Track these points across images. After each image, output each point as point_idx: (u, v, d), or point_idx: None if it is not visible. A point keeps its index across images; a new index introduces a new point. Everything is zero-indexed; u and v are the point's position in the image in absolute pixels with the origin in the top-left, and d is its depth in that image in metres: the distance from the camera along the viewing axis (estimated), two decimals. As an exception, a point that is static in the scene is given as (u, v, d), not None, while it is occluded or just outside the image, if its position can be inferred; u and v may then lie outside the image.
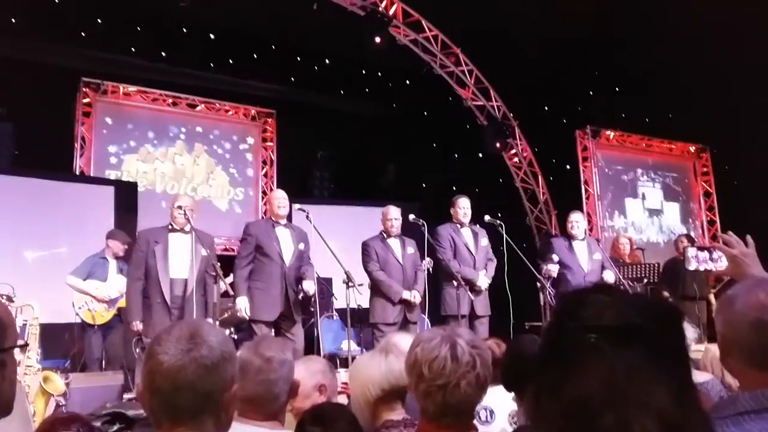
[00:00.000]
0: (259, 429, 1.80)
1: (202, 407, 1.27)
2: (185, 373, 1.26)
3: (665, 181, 11.42)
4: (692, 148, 11.70)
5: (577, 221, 6.35)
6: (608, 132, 10.96)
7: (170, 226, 4.88)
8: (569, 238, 6.34)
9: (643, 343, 0.71)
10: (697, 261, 3.05)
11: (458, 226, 6.00)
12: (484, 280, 5.87)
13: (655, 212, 11.21)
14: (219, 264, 4.86)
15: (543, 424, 0.72)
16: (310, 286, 5.12)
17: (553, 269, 5.95)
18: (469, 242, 5.97)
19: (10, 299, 4.50)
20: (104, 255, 6.19)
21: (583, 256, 6.26)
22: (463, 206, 6.00)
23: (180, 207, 4.87)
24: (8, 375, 1.24)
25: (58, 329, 6.00)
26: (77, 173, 8.36)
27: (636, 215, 11.02)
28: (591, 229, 10.05)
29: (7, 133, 7.83)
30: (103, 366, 5.75)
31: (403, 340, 3.06)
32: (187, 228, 4.84)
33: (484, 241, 6.03)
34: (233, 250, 8.18)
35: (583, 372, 0.70)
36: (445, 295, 5.76)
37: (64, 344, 6.02)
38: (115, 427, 3.00)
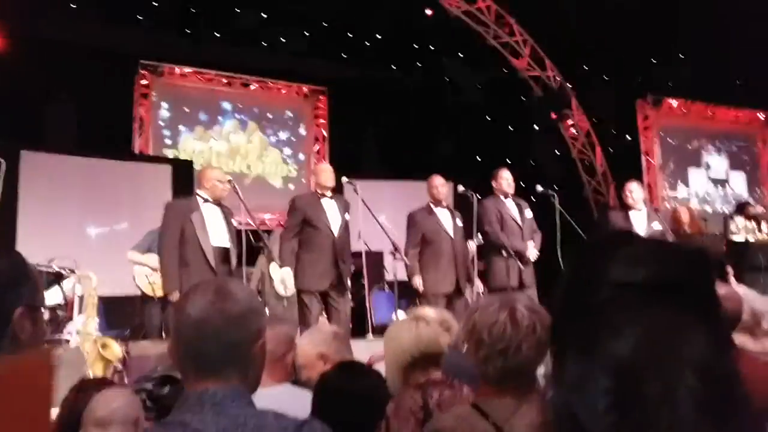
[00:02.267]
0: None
1: (228, 359, 1.28)
2: (210, 323, 1.28)
3: (731, 149, 10.92)
4: (761, 116, 11.13)
5: (632, 190, 6.15)
6: (670, 100, 10.53)
7: (200, 198, 4.77)
8: (626, 208, 6.16)
9: (678, 297, 0.67)
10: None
11: (502, 198, 5.90)
12: (533, 251, 5.78)
13: (720, 182, 10.76)
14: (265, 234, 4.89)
15: (575, 388, 0.67)
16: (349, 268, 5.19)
17: None
18: (515, 214, 5.87)
19: (72, 271, 4.69)
20: (162, 230, 6.37)
21: (640, 226, 6.06)
22: (506, 177, 5.90)
23: (230, 181, 4.93)
24: (40, 333, 1.29)
25: (120, 301, 6.23)
26: (136, 153, 8.63)
27: (700, 185, 10.59)
28: (652, 201, 9.72)
29: (69, 116, 8.12)
30: (163, 336, 5.94)
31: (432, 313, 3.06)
32: (224, 201, 4.83)
33: (528, 212, 5.94)
34: (287, 225, 8.32)
35: (617, 332, 0.65)
36: (494, 268, 5.69)
37: (125, 315, 6.25)
38: (166, 389, 3.07)
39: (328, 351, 2.43)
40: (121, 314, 6.16)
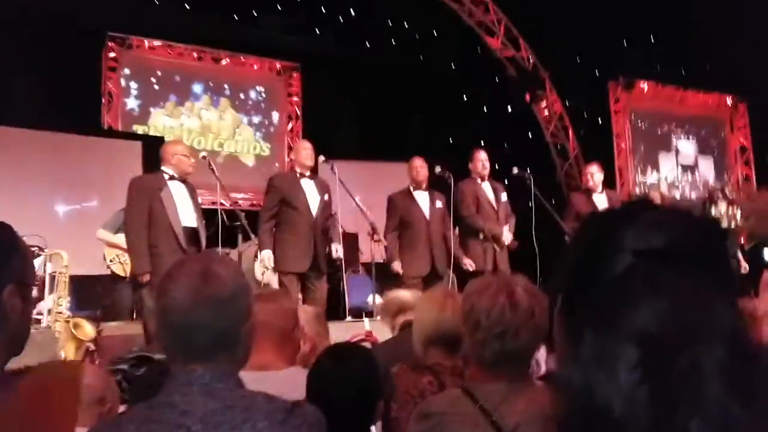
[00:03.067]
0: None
1: (218, 345, 1.25)
2: (199, 311, 1.24)
3: (700, 134, 11.09)
4: (729, 100, 11.32)
5: (592, 173, 6.21)
6: (642, 83, 10.64)
7: (167, 175, 4.54)
8: (588, 191, 6.21)
9: (698, 265, 0.64)
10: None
11: (479, 180, 5.91)
12: (508, 235, 5.82)
13: (688, 167, 10.94)
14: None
15: (595, 364, 0.63)
16: (338, 250, 5.11)
17: None
18: (491, 197, 5.90)
19: (41, 249, 4.56)
20: (133, 209, 6.22)
21: (602, 207, 6.13)
22: (482, 158, 5.92)
23: (204, 157, 4.83)
24: (29, 311, 1.24)
25: (90, 281, 6.11)
26: (105, 128, 8.41)
27: (669, 170, 10.76)
28: (623, 185, 9.85)
29: (34, 89, 7.84)
30: (134, 317, 5.85)
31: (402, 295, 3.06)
32: (191, 178, 4.67)
33: (504, 196, 5.97)
34: (260, 205, 8.22)
35: (640, 303, 0.62)
36: (470, 251, 5.71)
37: (96, 295, 6.14)
38: (142, 370, 3.02)
39: (310, 332, 2.42)
40: (91, 294, 6.04)
